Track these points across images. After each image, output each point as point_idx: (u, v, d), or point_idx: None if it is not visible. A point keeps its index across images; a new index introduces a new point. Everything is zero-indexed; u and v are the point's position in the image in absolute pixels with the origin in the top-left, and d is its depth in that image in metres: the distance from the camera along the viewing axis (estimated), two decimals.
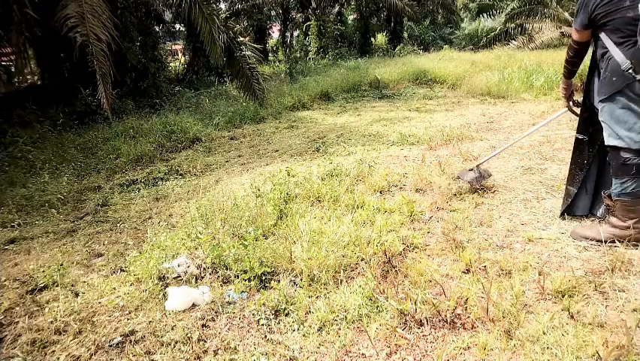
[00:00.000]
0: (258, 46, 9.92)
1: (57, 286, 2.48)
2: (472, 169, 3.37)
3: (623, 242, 2.34)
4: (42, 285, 2.51)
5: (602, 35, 2.30)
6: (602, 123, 2.40)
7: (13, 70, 8.74)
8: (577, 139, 2.67)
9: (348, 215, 3.07)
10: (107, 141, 6.06)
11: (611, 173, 2.43)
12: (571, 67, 2.63)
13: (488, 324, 1.87)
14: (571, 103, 2.76)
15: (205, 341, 1.96)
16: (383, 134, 5.93)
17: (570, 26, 15.04)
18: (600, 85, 2.37)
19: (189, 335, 1.98)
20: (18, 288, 2.52)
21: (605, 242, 2.38)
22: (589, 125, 2.59)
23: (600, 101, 2.38)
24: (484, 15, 19.49)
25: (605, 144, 2.41)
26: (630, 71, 2.18)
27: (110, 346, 1.96)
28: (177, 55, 15.43)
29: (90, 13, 5.54)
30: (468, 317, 1.94)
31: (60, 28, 5.44)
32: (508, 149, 4.50)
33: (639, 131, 2.26)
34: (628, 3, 2.17)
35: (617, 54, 2.23)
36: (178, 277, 2.48)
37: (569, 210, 2.78)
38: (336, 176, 3.92)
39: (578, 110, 2.70)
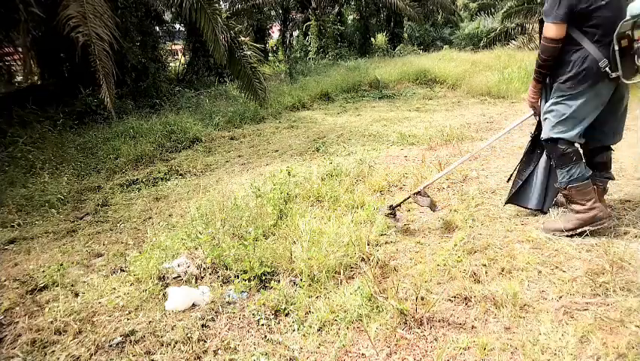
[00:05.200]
0: (259, 45, 9.89)
1: (57, 286, 2.47)
2: (419, 192, 2.91)
3: (591, 225, 2.46)
4: (42, 285, 2.51)
5: (575, 32, 2.31)
6: (549, 118, 2.49)
7: (15, 69, 8.73)
8: (534, 136, 2.74)
9: (348, 215, 3.07)
10: (107, 141, 6.05)
11: (554, 167, 2.55)
12: (546, 70, 2.48)
13: (488, 324, 1.87)
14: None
15: (205, 341, 1.96)
16: (383, 134, 5.93)
17: None
18: (568, 81, 2.38)
19: (189, 335, 1.98)
20: (18, 288, 2.52)
21: (575, 230, 2.50)
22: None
23: (559, 96, 2.43)
24: (483, 14, 19.47)
25: (545, 137, 2.51)
26: (607, 69, 2.26)
27: (110, 346, 1.96)
28: (177, 55, 15.41)
29: (92, 13, 5.54)
30: (468, 316, 1.94)
31: (62, 28, 5.44)
32: (507, 148, 4.51)
33: (582, 127, 2.42)
34: (604, 2, 2.23)
35: (595, 52, 2.29)
36: (178, 277, 2.48)
37: (514, 199, 2.85)
38: (336, 176, 3.92)
39: None
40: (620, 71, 2.22)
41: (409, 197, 2.96)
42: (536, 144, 2.73)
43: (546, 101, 2.55)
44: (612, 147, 2.66)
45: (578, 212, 2.51)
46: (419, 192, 2.90)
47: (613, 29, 2.21)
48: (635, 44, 2.18)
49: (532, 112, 2.73)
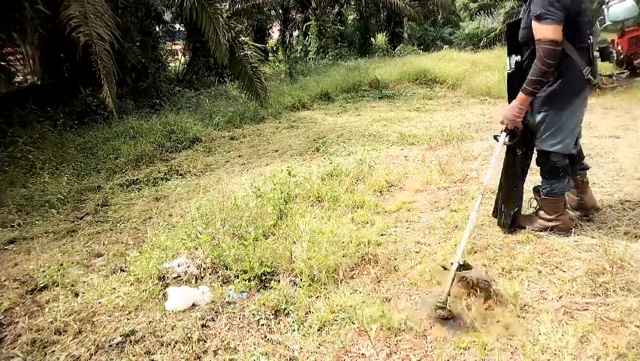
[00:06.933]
0: (260, 45, 9.89)
1: (57, 286, 2.48)
2: (465, 265, 2.09)
3: (551, 232, 2.53)
4: (42, 285, 2.51)
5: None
6: (540, 130, 2.37)
7: (16, 69, 8.72)
8: (516, 155, 2.55)
9: (348, 215, 3.07)
10: (107, 141, 6.05)
11: (540, 174, 2.55)
12: (547, 79, 2.21)
13: (488, 324, 1.87)
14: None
15: (205, 341, 1.96)
16: (383, 134, 5.92)
17: None
18: (556, 93, 2.25)
19: (189, 335, 1.98)
20: (18, 288, 2.52)
21: (535, 231, 2.58)
22: (529, 138, 2.51)
23: (550, 108, 2.29)
24: (483, 14, 19.41)
25: (540, 149, 2.45)
26: (590, 76, 2.21)
27: (110, 346, 1.96)
28: (177, 55, 15.40)
29: (93, 13, 5.55)
30: (468, 316, 1.94)
31: (63, 28, 5.44)
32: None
33: (574, 136, 2.38)
34: (584, 6, 2.16)
35: (578, 59, 2.19)
36: (178, 277, 2.48)
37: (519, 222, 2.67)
38: (336, 176, 3.92)
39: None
40: (597, 78, 2.20)
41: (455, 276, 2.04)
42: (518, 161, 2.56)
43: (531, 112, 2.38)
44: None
45: (542, 219, 2.59)
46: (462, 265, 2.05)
47: (589, 34, 2.16)
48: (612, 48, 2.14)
49: (506, 133, 2.43)
